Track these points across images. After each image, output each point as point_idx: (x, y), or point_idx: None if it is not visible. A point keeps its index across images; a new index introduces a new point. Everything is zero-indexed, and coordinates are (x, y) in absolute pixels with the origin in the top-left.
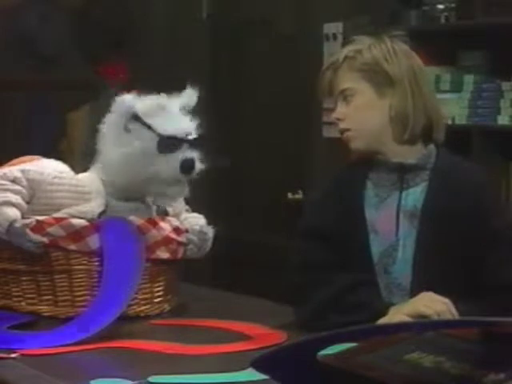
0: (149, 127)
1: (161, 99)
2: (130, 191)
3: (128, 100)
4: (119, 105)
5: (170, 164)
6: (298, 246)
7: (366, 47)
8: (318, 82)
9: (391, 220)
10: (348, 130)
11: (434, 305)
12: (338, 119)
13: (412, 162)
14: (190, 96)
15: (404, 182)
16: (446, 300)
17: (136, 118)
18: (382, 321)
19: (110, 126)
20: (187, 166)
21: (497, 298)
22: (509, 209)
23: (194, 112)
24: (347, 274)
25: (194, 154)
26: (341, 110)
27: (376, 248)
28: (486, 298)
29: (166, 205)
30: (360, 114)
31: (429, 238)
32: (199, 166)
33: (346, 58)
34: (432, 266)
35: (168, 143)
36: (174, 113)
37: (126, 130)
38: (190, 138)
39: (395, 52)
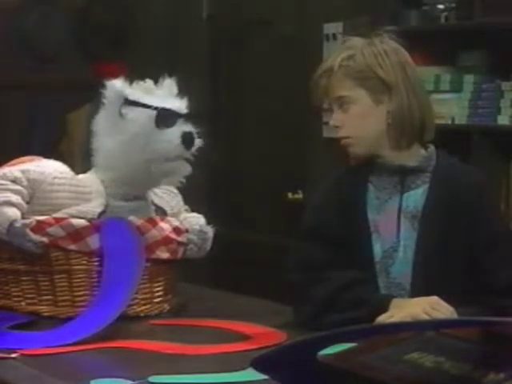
0: (143, 105)
1: (147, 84)
2: (132, 184)
3: (118, 85)
4: (110, 91)
5: (170, 140)
6: (300, 246)
7: (359, 52)
8: (313, 88)
9: (392, 222)
10: (347, 137)
11: (436, 313)
12: (336, 126)
13: (413, 165)
14: (169, 85)
15: (405, 185)
16: (451, 309)
17: (128, 101)
18: (383, 317)
19: (104, 116)
20: (188, 139)
21: (496, 299)
22: (508, 210)
23: (193, 114)
24: (346, 272)
25: (191, 128)
26: (338, 117)
27: (378, 249)
28: (486, 298)
29: (173, 185)
30: (358, 122)
31: (429, 240)
32: (198, 141)
33: (339, 65)
34: (432, 267)
35: (166, 115)
36: (163, 94)
37: (121, 115)
38: (184, 112)
39: (387, 54)
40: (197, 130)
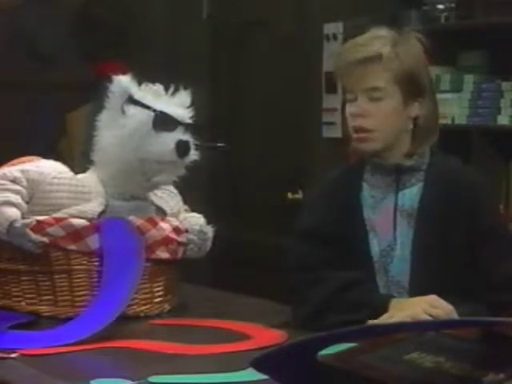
0: (144, 105)
1: (156, 88)
2: (126, 181)
3: (124, 81)
4: (116, 85)
5: (164, 144)
6: (296, 246)
7: (405, 50)
8: (341, 75)
9: (388, 220)
10: (367, 130)
11: (435, 312)
12: (360, 115)
13: (408, 164)
14: (184, 97)
15: (400, 183)
16: (451, 307)
17: (132, 100)
18: (384, 318)
19: (106, 111)
20: (182, 147)
21: (494, 295)
22: (507, 210)
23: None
24: (345, 273)
25: (189, 138)
26: (365, 106)
27: (375, 247)
28: (483, 296)
29: (167, 184)
30: (385, 116)
31: (425, 237)
32: (194, 152)
33: (383, 56)
34: (429, 264)
35: (163, 120)
36: (170, 100)
37: (122, 111)
38: (186, 122)
39: (423, 56)
40: (196, 142)
